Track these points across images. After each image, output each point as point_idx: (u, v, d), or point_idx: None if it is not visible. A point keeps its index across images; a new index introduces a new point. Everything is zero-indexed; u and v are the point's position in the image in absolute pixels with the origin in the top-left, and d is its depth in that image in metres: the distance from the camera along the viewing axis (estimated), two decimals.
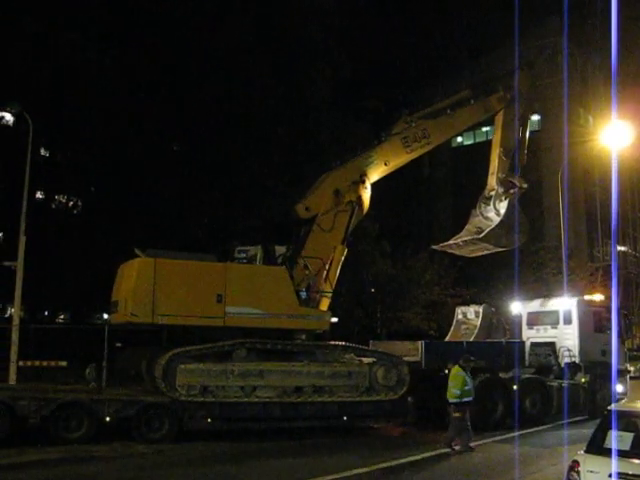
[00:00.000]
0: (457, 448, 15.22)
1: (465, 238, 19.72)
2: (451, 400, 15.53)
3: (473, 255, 21.61)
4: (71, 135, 31.41)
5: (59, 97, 29.83)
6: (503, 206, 19.48)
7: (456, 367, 15.77)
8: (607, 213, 48.33)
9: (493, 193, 19.58)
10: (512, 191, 19.50)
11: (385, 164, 19.19)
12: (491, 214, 19.72)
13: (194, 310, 16.15)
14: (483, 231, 19.73)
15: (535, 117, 51.98)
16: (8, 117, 31.58)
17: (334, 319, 20.01)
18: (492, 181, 19.74)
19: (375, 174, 19.23)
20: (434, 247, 21.45)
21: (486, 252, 20.81)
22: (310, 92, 33.13)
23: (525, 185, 19.60)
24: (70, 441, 14.81)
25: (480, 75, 31.89)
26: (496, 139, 19.98)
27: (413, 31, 47.43)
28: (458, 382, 15.44)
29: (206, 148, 31.14)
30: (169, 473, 13.04)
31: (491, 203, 19.60)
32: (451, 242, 20.27)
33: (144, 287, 15.87)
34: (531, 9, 40.35)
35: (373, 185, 19.75)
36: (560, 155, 34.54)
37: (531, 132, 50.54)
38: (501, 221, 19.20)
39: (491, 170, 19.86)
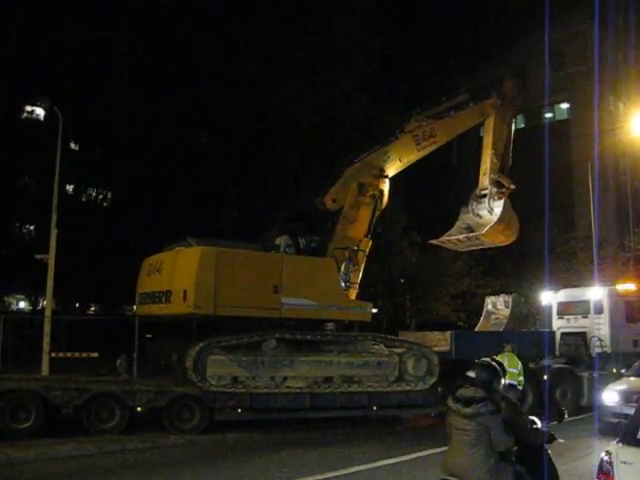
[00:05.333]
0: None
1: (470, 234, 20.14)
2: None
3: (466, 249, 22.68)
4: (100, 128, 31.68)
5: (88, 91, 30.11)
6: (498, 205, 20.07)
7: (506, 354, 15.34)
8: (638, 202, 47.68)
9: (486, 192, 20.19)
10: (503, 190, 20.18)
11: (400, 160, 19.46)
12: (484, 212, 20.32)
13: (253, 301, 16.09)
14: (470, 227, 20.45)
15: (564, 105, 51.44)
16: (39, 111, 31.95)
17: (374, 310, 20.09)
18: (485, 181, 20.30)
19: (391, 169, 19.46)
20: (432, 242, 21.69)
21: (480, 247, 21.86)
22: (339, 81, 33.03)
23: (513, 186, 20.26)
24: (103, 431, 14.96)
25: (513, 65, 31.62)
26: (487, 142, 20.59)
27: (441, 22, 46.96)
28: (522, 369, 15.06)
29: (234, 139, 31.23)
30: (205, 464, 13.13)
31: (485, 201, 20.21)
32: (453, 238, 20.54)
33: (206, 277, 15.61)
34: None
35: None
36: (590, 143, 34.04)
37: (560, 120, 49.86)
38: (499, 219, 19.71)
39: (482, 171, 20.45)
